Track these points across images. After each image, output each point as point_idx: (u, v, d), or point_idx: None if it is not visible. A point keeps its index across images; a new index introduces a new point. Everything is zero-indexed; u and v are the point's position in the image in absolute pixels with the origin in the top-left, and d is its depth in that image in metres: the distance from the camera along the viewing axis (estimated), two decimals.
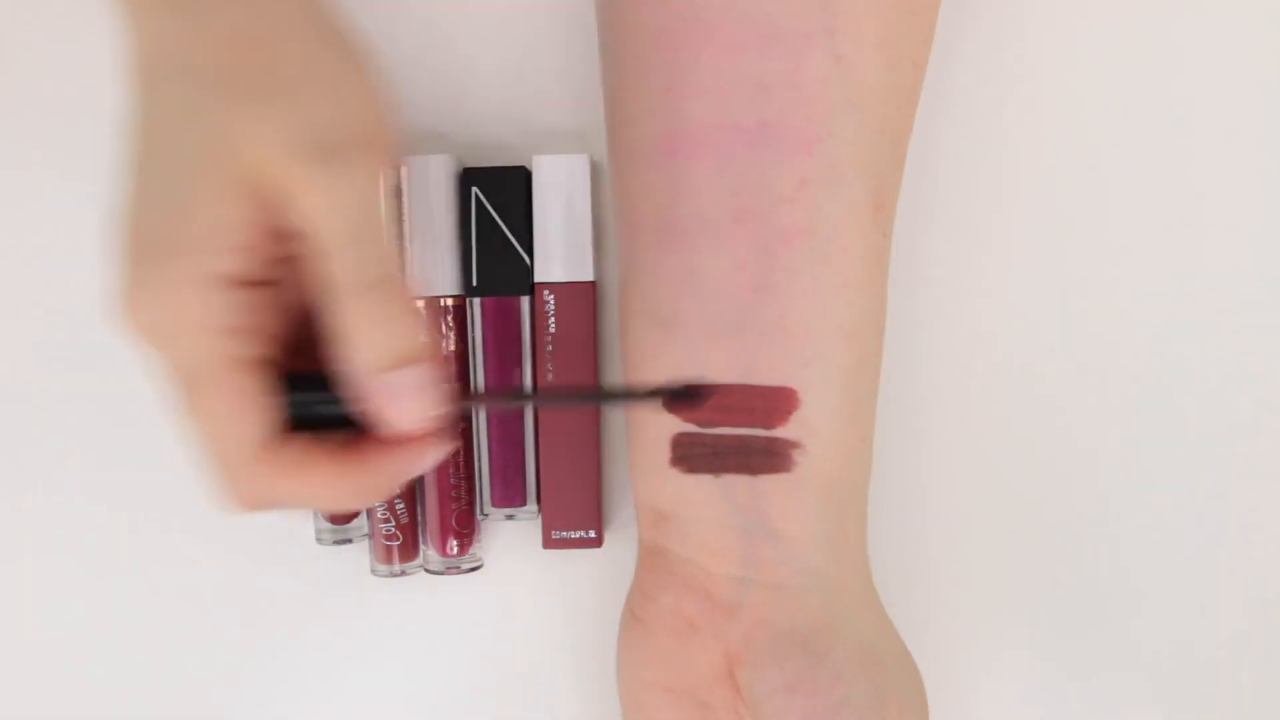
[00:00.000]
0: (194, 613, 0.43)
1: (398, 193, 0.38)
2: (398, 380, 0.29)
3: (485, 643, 0.43)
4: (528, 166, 0.41)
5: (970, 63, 0.41)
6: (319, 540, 0.42)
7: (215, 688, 0.43)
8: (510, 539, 0.43)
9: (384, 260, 0.29)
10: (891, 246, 0.37)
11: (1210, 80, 0.41)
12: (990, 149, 0.41)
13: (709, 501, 0.36)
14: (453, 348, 0.40)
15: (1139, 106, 0.41)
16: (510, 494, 0.41)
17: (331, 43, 0.30)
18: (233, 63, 0.29)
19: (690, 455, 0.36)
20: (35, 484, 0.43)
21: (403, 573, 0.42)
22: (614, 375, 0.42)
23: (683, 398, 0.34)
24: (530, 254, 0.41)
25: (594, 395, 0.33)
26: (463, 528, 0.41)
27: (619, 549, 0.42)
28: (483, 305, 0.41)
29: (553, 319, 0.41)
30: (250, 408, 0.29)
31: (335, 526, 0.41)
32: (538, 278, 0.41)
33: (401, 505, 0.41)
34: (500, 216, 0.41)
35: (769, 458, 0.35)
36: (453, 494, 0.41)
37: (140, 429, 0.42)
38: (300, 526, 0.42)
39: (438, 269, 0.40)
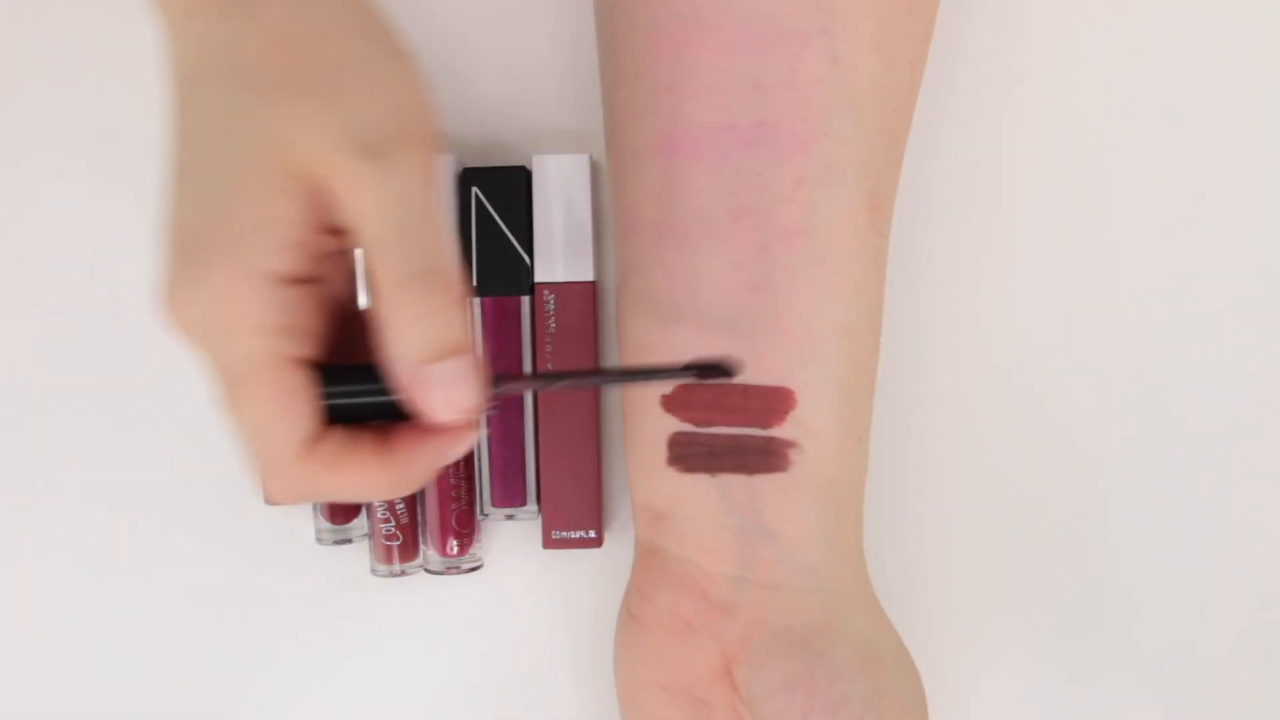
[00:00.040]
0: (194, 613, 0.43)
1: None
2: (440, 371, 0.29)
3: (485, 643, 0.43)
4: (528, 166, 0.41)
5: (969, 63, 0.41)
6: (319, 540, 0.42)
7: (215, 688, 0.43)
8: (510, 539, 0.43)
9: (429, 254, 0.29)
10: (889, 246, 0.37)
11: (1209, 80, 0.41)
12: (989, 149, 0.42)
13: (706, 501, 0.36)
14: None
15: (1138, 106, 0.41)
16: (510, 494, 0.41)
17: (377, 40, 0.30)
18: (281, 62, 0.29)
19: (687, 454, 0.36)
20: (35, 484, 0.43)
21: (403, 573, 0.42)
22: None
23: (714, 372, 0.34)
24: (530, 254, 0.41)
25: (625, 374, 0.33)
26: (463, 528, 0.41)
27: (619, 549, 0.42)
28: (483, 305, 0.41)
29: (553, 319, 0.41)
30: (294, 407, 0.29)
31: (335, 526, 0.41)
32: (538, 278, 0.41)
33: (401, 505, 0.41)
34: (500, 216, 0.41)
35: (765, 457, 0.35)
36: (453, 494, 0.41)
37: (140, 429, 0.42)
38: (300, 526, 0.43)
39: None
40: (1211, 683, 0.42)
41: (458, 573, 0.42)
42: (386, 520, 0.41)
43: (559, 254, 0.41)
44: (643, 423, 0.37)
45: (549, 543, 0.41)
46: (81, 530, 0.43)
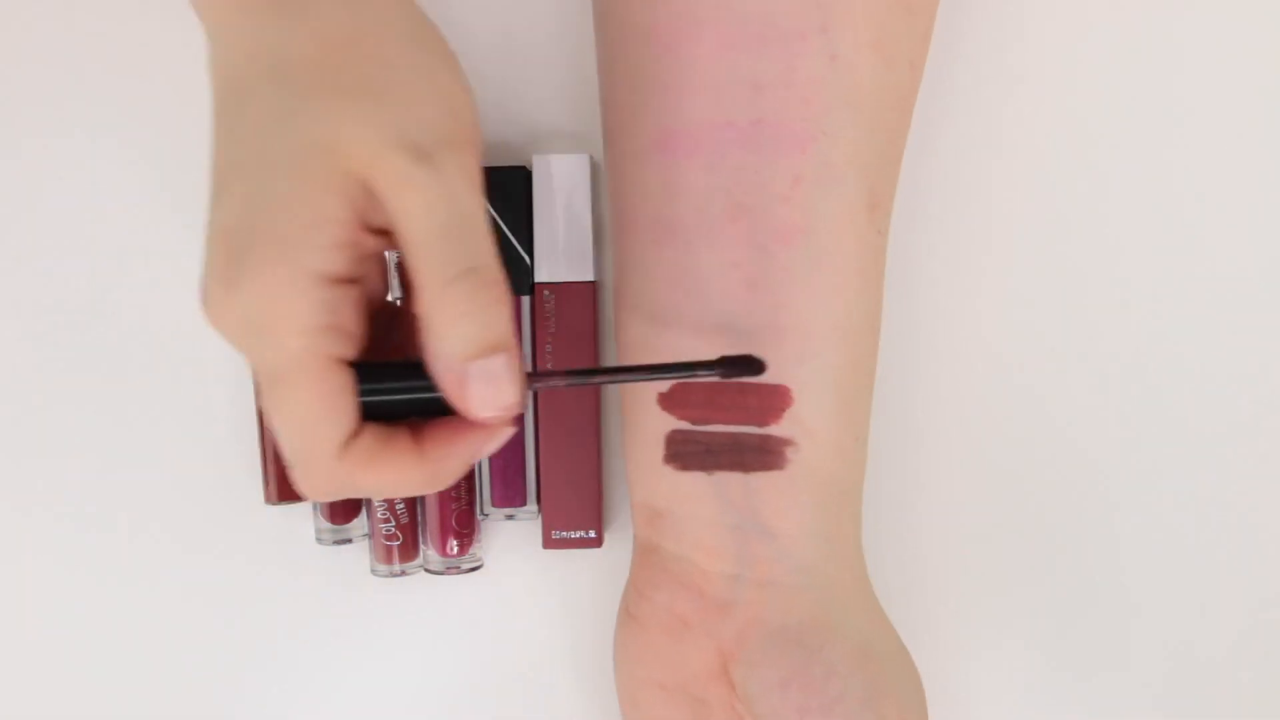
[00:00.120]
0: (194, 612, 0.43)
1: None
2: (483, 368, 0.29)
3: (485, 643, 0.43)
4: (528, 166, 0.41)
5: (969, 63, 0.41)
6: (319, 540, 0.42)
7: (215, 688, 0.43)
8: (510, 539, 0.43)
9: (474, 253, 0.29)
10: (888, 245, 0.37)
11: (1209, 80, 0.41)
12: (988, 148, 0.42)
13: (702, 499, 0.36)
14: None
15: (1137, 106, 0.41)
16: (510, 494, 0.41)
17: (424, 42, 0.31)
18: (330, 63, 0.29)
19: (684, 452, 0.36)
20: (35, 484, 0.43)
21: (403, 573, 0.42)
22: None
23: (743, 367, 0.34)
24: (530, 254, 0.41)
25: (655, 370, 0.33)
26: (463, 528, 0.41)
27: (619, 549, 0.42)
28: None
29: (553, 319, 0.41)
30: (336, 406, 0.29)
31: (335, 526, 0.41)
32: (538, 278, 0.41)
33: (401, 505, 0.41)
34: (500, 216, 0.41)
35: (762, 455, 0.35)
36: (453, 494, 0.41)
37: (140, 429, 0.43)
38: (300, 526, 0.43)
39: None
40: (1211, 683, 0.42)
41: (458, 573, 0.42)
42: (386, 520, 0.41)
43: (559, 254, 0.41)
44: (641, 421, 0.37)
45: (549, 543, 0.41)
46: (81, 530, 0.43)
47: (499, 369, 0.29)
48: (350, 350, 0.29)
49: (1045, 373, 0.42)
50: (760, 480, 0.36)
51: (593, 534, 0.41)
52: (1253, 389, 0.42)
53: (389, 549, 0.41)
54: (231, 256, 0.28)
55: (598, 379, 0.35)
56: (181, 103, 0.42)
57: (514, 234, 0.41)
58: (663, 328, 0.36)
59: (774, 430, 0.35)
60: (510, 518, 0.42)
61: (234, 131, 0.30)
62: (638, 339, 0.37)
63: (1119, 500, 0.42)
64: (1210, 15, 0.41)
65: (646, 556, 0.38)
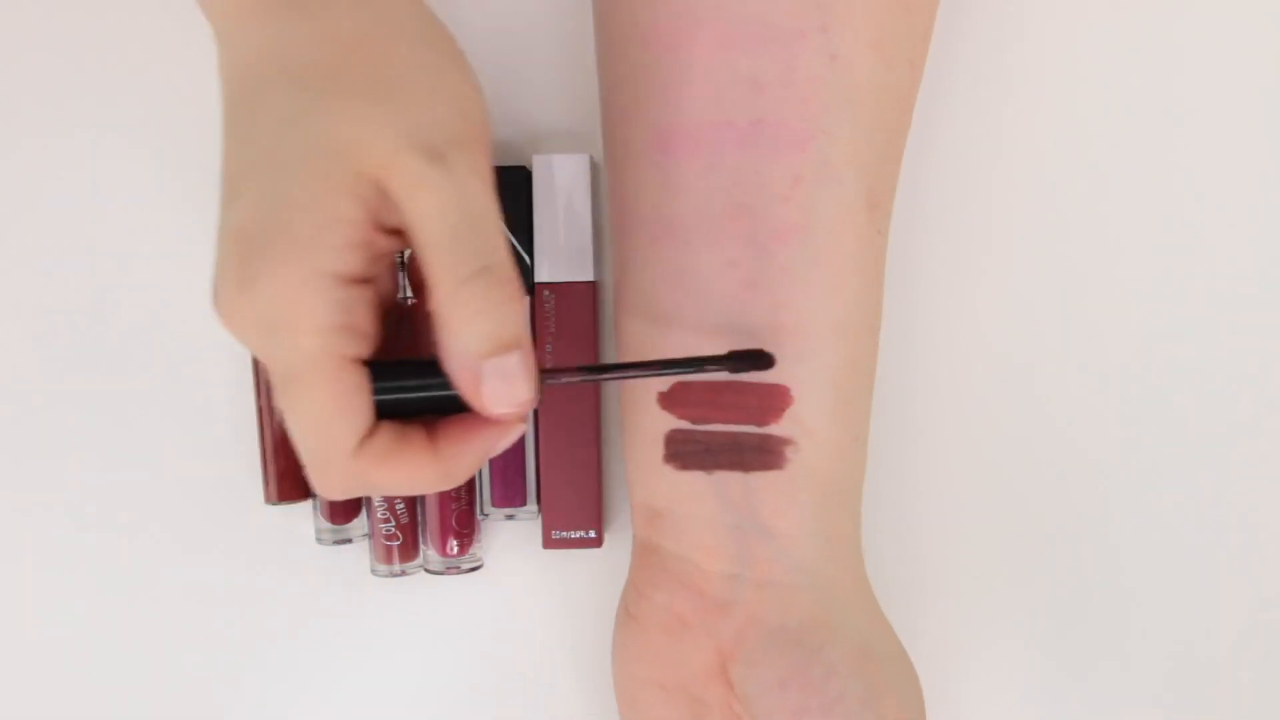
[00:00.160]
0: (194, 612, 0.43)
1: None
2: (498, 365, 0.29)
3: (485, 643, 0.43)
4: (528, 166, 0.41)
5: (969, 63, 0.41)
6: (319, 540, 0.42)
7: (215, 688, 0.43)
8: (510, 539, 0.43)
9: (487, 252, 0.29)
10: (888, 244, 0.37)
11: (1209, 80, 0.41)
12: (988, 148, 0.42)
13: (702, 498, 0.36)
14: None
15: (1137, 106, 0.41)
16: (510, 494, 0.41)
17: (434, 43, 0.31)
18: (344, 64, 0.29)
19: (683, 452, 0.36)
20: (35, 484, 0.43)
21: (403, 573, 0.42)
22: None
23: (751, 361, 0.34)
24: (530, 254, 0.41)
25: (665, 365, 0.34)
26: (463, 528, 0.41)
27: (619, 549, 0.42)
28: None
29: (553, 319, 0.41)
30: (351, 405, 0.29)
31: (335, 526, 0.42)
32: (538, 278, 0.41)
33: (401, 505, 0.41)
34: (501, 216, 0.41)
35: (761, 455, 0.35)
36: (453, 494, 0.41)
37: (140, 429, 0.43)
38: (300, 526, 0.43)
39: None
40: (1211, 683, 0.42)
41: (458, 573, 0.42)
42: (386, 520, 0.41)
43: (559, 254, 0.41)
44: (640, 420, 0.37)
45: (549, 543, 0.41)
46: (81, 530, 0.43)
47: (513, 366, 0.29)
48: (364, 349, 0.29)
49: (1045, 372, 0.42)
50: (760, 480, 0.36)
51: (593, 534, 0.41)
52: (1253, 389, 0.42)
53: (389, 549, 0.41)
54: (245, 257, 0.28)
55: (609, 375, 0.35)
56: (182, 103, 0.42)
57: (514, 234, 0.41)
58: (663, 327, 0.36)
59: (773, 430, 0.35)
60: (510, 518, 0.42)
61: (246, 132, 0.30)
62: (638, 339, 0.37)
63: (1118, 501, 0.42)
64: (1210, 15, 0.41)
65: (646, 556, 0.38)
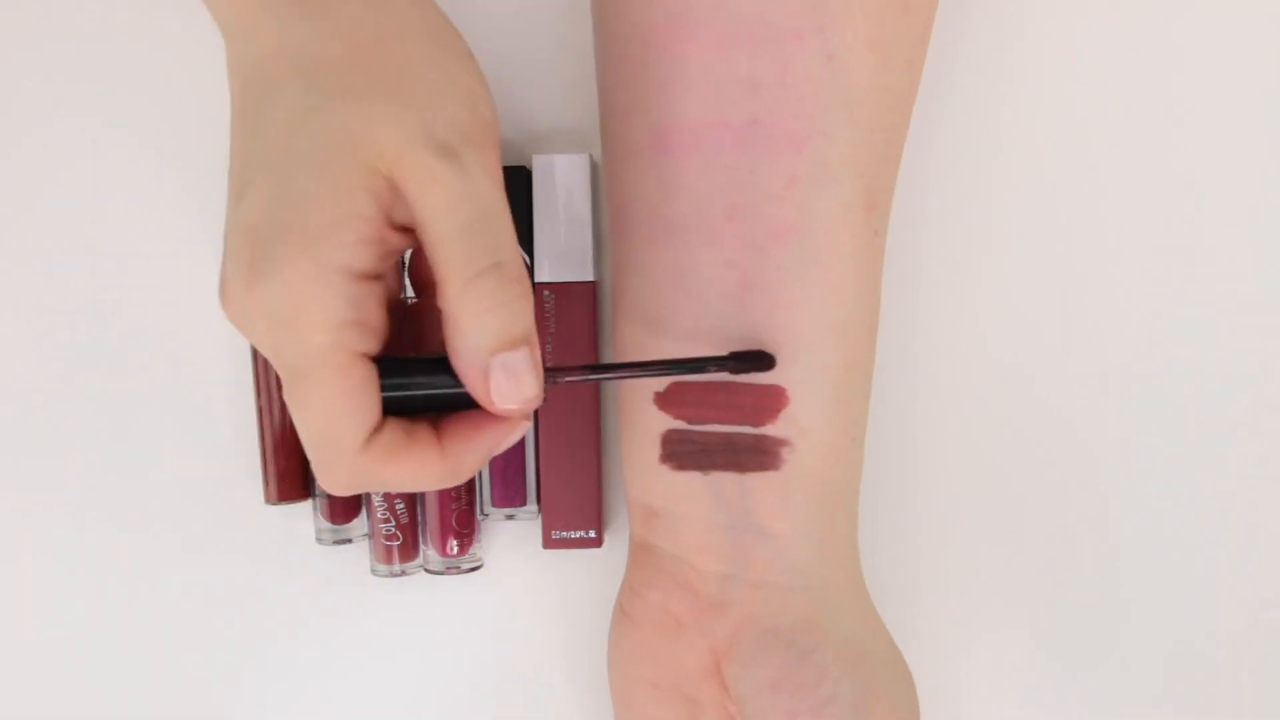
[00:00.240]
0: (194, 612, 0.43)
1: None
2: (506, 361, 0.29)
3: (485, 643, 0.43)
4: (528, 166, 0.41)
5: (968, 63, 0.41)
6: (319, 540, 0.42)
7: (215, 687, 0.43)
8: (510, 539, 0.43)
9: (498, 249, 0.29)
10: (885, 245, 0.37)
11: (1209, 80, 0.41)
12: (987, 148, 0.41)
13: (697, 499, 0.36)
14: None
15: (1137, 106, 0.41)
16: (510, 494, 0.42)
17: (444, 42, 0.31)
18: (356, 62, 0.30)
19: (679, 452, 0.36)
20: (35, 484, 0.43)
21: (403, 573, 0.42)
22: None
23: (753, 361, 0.34)
24: (530, 254, 0.41)
25: (669, 365, 0.34)
26: (463, 528, 0.41)
27: (619, 549, 0.42)
28: None
29: (553, 319, 0.41)
30: (359, 401, 0.29)
31: (335, 526, 0.42)
32: (538, 278, 0.41)
33: (401, 505, 0.41)
34: None
35: (757, 455, 0.35)
36: (453, 494, 0.41)
37: (140, 429, 0.43)
38: (300, 526, 0.43)
39: None
40: (1211, 684, 0.42)
41: (458, 573, 0.42)
42: (386, 520, 0.41)
43: (559, 254, 0.41)
44: (637, 420, 0.37)
45: (549, 543, 0.41)
46: (81, 530, 0.43)
47: (521, 362, 0.29)
48: (373, 345, 0.30)
49: (1043, 373, 0.42)
50: (755, 480, 0.36)
51: (593, 534, 0.41)
52: (1253, 389, 0.42)
53: (389, 549, 0.41)
54: (256, 252, 0.28)
55: (612, 375, 0.36)
56: (184, 102, 0.42)
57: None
58: (659, 327, 0.36)
59: (769, 430, 0.35)
60: (510, 518, 0.42)
61: (256, 129, 0.30)
62: (635, 338, 0.37)
63: (1117, 502, 0.42)
64: (1210, 15, 0.41)
65: (642, 555, 0.38)
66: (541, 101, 0.42)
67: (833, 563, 0.37)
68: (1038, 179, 0.42)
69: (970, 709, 0.42)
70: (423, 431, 0.30)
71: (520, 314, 0.29)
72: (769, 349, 0.35)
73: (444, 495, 0.41)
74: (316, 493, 0.41)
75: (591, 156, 0.41)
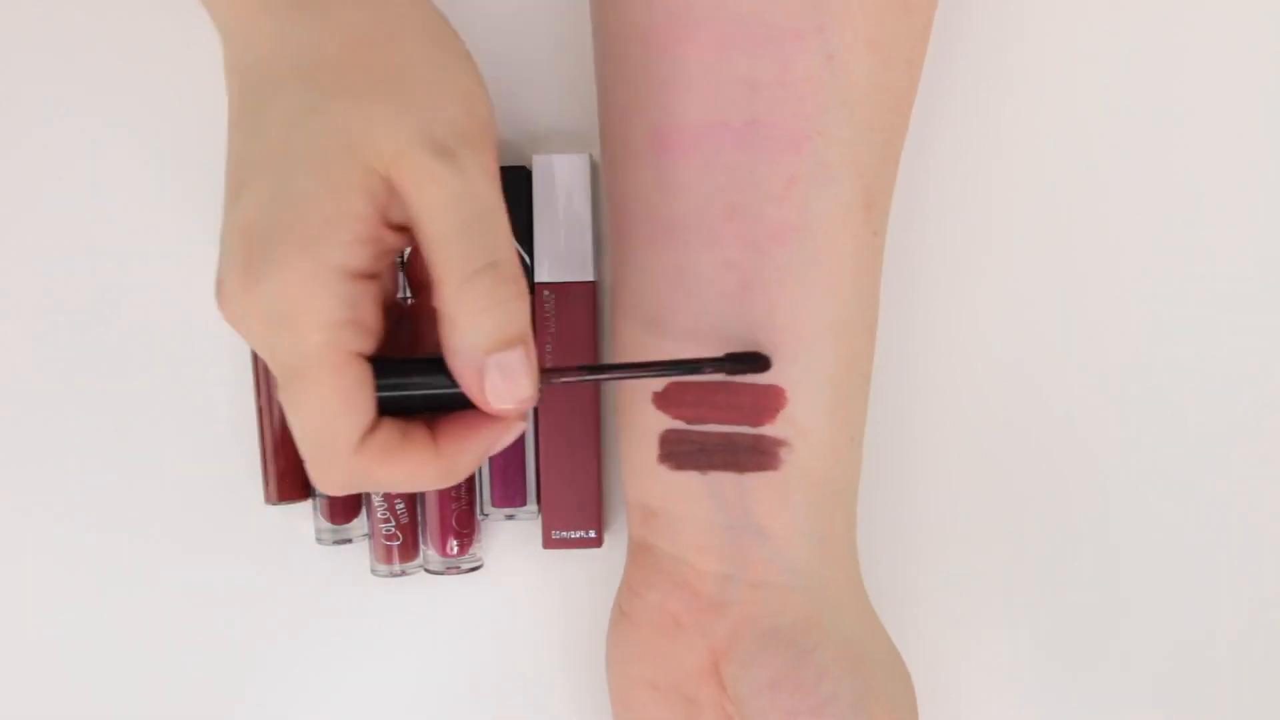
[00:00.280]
0: (194, 612, 0.43)
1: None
2: (502, 361, 0.29)
3: (485, 643, 0.43)
4: (528, 166, 0.41)
5: (968, 63, 0.41)
6: (319, 540, 0.42)
7: (216, 687, 0.43)
8: (510, 539, 0.43)
9: (494, 248, 0.29)
10: (885, 246, 0.37)
11: (1209, 80, 0.41)
12: (987, 148, 0.41)
13: (696, 498, 0.36)
14: None
15: (1137, 106, 0.41)
16: (510, 494, 0.42)
17: (441, 42, 0.31)
18: (354, 61, 0.30)
19: (678, 452, 0.36)
20: (35, 484, 0.43)
21: (403, 573, 0.42)
22: None
23: (749, 363, 0.34)
24: (530, 254, 0.41)
25: (665, 366, 0.34)
26: (463, 528, 0.41)
27: (619, 549, 0.42)
28: None
29: (553, 319, 0.41)
30: (355, 401, 0.29)
31: (335, 526, 0.42)
32: (538, 278, 0.41)
33: (401, 505, 0.41)
34: None
35: (756, 455, 0.35)
36: (453, 494, 0.41)
37: (141, 429, 0.43)
38: (300, 526, 0.43)
39: None
40: (1210, 684, 0.42)
41: (458, 573, 0.42)
42: (386, 520, 0.41)
43: (559, 254, 0.41)
44: (635, 420, 0.37)
45: (549, 543, 0.41)
46: (81, 530, 0.43)
47: (516, 362, 0.29)
48: (369, 345, 0.30)
49: (1042, 374, 0.42)
50: (754, 480, 0.36)
51: (593, 534, 0.41)
52: (1253, 389, 0.42)
53: (389, 549, 0.41)
54: (252, 251, 0.28)
55: (608, 375, 0.36)
56: (183, 103, 0.42)
57: (514, 234, 0.41)
58: (658, 327, 0.36)
59: (768, 430, 0.35)
60: (510, 518, 0.42)
61: (254, 128, 0.30)
62: (633, 339, 0.37)
63: (1116, 502, 0.42)
64: (1210, 15, 0.41)
65: (640, 555, 0.38)
66: (541, 101, 0.42)
67: (832, 563, 0.36)
68: (1037, 179, 0.42)
69: (969, 709, 0.42)
70: (418, 432, 0.30)
71: (516, 314, 0.29)
72: (768, 349, 0.35)
73: (444, 495, 0.41)
74: (316, 493, 0.42)
75: (591, 156, 0.41)
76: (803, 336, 0.35)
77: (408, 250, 0.35)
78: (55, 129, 0.42)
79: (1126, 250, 0.42)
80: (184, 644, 0.43)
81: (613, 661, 0.38)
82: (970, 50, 0.41)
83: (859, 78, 0.35)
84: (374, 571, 0.42)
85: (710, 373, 0.34)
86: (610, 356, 0.40)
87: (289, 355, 0.29)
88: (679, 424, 0.36)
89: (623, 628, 0.38)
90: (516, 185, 0.41)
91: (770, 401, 0.35)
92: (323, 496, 0.41)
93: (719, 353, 0.35)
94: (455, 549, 0.41)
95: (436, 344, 0.30)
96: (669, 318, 0.36)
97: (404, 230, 0.30)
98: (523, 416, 0.31)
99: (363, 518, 0.42)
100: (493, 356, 0.29)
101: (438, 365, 0.30)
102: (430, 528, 0.41)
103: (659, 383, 0.36)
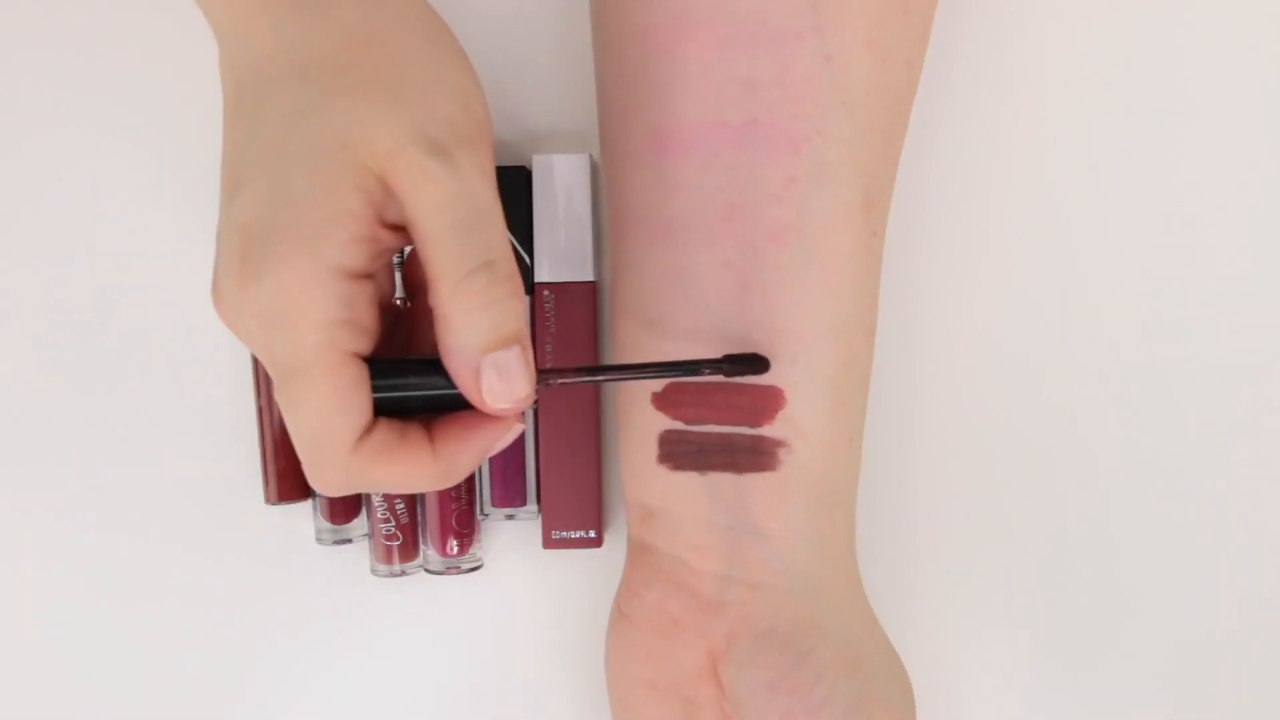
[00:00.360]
0: (194, 613, 0.43)
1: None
2: (498, 360, 0.29)
3: (485, 643, 0.43)
4: (528, 166, 0.41)
5: (968, 63, 0.41)
6: (319, 540, 0.42)
7: (216, 687, 0.43)
8: (510, 539, 0.43)
9: (490, 247, 0.29)
10: (884, 246, 0.37)
11: (1209, 80, 0.41)
12: (987, 149, 0.41)
13: (695, 499, 0.36)
14: None
15: (1137, 106, 0.41)
16: (510, 494, 0.42)
17: (437, 41, 0.31)
18: (350, 61, 0.30)
19: (677, 452, 0.36)
20: (35, 484, 0.43)
21: (403, 573, 0.42)
22: None
23: (747, 364, 0.34)
24: (530, 254, 0.41)
25: (662, 368, 0.34)
26: (463, 528, 0.41)
27: (619, 549, 0.42)
28: None
29: (553, 319, 0.41)
30: (351, 401, 0.29)
31: (335, 526, 0.42)
32: (538, 278, 0.41)
33: (401, 505, 0.41)
34: None
35: (754, 456, 0.35)
36: (453, 494, 0.41)
37: (140, 429, 0.43)
38: (300, 526, 0.43)
39: None
40: (1210, 684, 0.42)
41: (458, 573, 0.42)
42: (386, 520, 0.41)
43: (559, 254, 0.41)
44: (634, 420, 0.37)
45: (549, 543, 0.41)
46: (81, 530, 0.43)
47: (513, 361, 0.29)
48: (365, 345, 0.30)
49: (1042, 374, 0.42)
50: (752, 481, 0.36)
51: (593, 534, 0.41)
52: (1253, 388, 0.41)
53: (389, 549, 0.41)
54: (248, 251, 0.28)
55: (606, 376, 0.36)
56: (183, 103, 0.42)
57: (514, 234, 0.41)
58: (657, 328, 0.36)
59: (767, 431, 0.35)
60: (510, 518, 0.42)
61: (250, 128, 0.30)
62: (633, 339, 0.37)
63: (1116, 502, 0.42)
64: (1211, 15, 0.41)
65: (639, 555, 0.38)
66: (541, 101, 0.42)
67: (830, 564, 0.36)
68: (1037, 179, 0.42)
69: (968, 709, 0.42)
70: (415, 432, 0.30)
71: (512, 313, 0.29)
72: (767, 349, 0.35)
73: (444, 495, 0.41)
74: (316, 493, 0.42)
75: (591, 156, 0.41)
76: (802, 337, 0.35)
77: (407, 250, 0.35)
78: (55, 129, 0.42)
79: (1126, 250, 0.41)
80: (184, 644, 0.43)
81: (611, 661, 0.38)
82: (970, 50, 0.41)
83: (858, 78, 0.35)
84: (374, 571, 0.42)
85: (709, 374, 0.34)
86: (610, 356, 0.40)
87: (285, 355, 0.29)
88: (678, 424, 0.36)
89: (622, 628, 0.38)
90: (516, 185, 0.41)
91: (769, 402, 0.35)
92: (322, 497, 0.41)
93: (718, 353, 0.35)
94: (455, 549, 0.41)
95: (432, 347, 0.30)
96: (668, 318, 0.36)
97: (400, 229, 0.30)
98: (520, 417, 0.31)
99: (363, 518, 0.42)
100: (489, 356, 0.29)
101: (435, 366, 0.30)
102: (430, 528, 0.41)
103: (658, 383, 0.36)
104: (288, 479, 0.41)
